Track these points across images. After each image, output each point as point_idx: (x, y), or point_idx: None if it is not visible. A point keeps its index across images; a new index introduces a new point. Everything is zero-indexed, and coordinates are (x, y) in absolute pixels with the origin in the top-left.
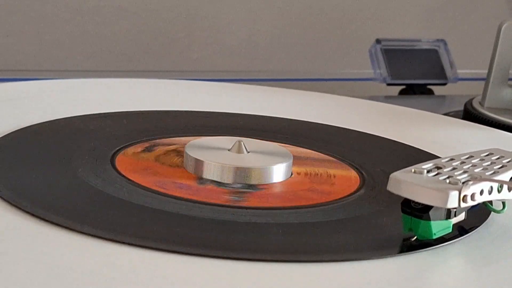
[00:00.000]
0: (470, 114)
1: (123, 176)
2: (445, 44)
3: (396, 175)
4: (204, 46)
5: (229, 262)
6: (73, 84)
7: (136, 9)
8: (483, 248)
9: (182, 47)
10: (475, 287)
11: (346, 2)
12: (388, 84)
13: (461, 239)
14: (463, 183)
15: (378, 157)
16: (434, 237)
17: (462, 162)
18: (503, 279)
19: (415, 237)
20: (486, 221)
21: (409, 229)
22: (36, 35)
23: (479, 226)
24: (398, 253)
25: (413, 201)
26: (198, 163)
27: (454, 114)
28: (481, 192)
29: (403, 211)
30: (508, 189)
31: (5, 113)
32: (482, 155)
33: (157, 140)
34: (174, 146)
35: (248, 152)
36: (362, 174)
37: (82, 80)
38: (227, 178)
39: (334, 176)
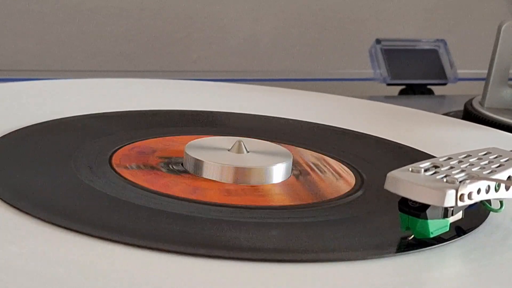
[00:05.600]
0: (470, 114)
1: (122, 176)
2: (445, 44)
3: (394, 173)
4: (204, 46)
5: (229, 262)
6: (73, 84)
7: (136, 9)
8: (481, 248)
9: (182, 47)
10: (473, 287)
11: (346, 2)
12: (388, 84)
13: (459, 239)
14: (460, 182)
15: (378, 157)
16: (431, 236)
17: (460, 161)
18: (501, 279)
19: (413, 236)
20: (484, 221)
21: (406, 227)
22: (36, 35)
23: (478, 226)
24: (395, 252)
25: (411, 200)
26: (198, 163)
27: (454, 114)
28: (478, 191)
29: (401, 209)
30: (505, 188)
31: (5, 113)
32: (480, 154)
33: (157, 140)
34: (173, 146)
35: (248, 152)
36: (361, 174)
37: (82, 80)
38: (227, 178)
39: (334, 176)
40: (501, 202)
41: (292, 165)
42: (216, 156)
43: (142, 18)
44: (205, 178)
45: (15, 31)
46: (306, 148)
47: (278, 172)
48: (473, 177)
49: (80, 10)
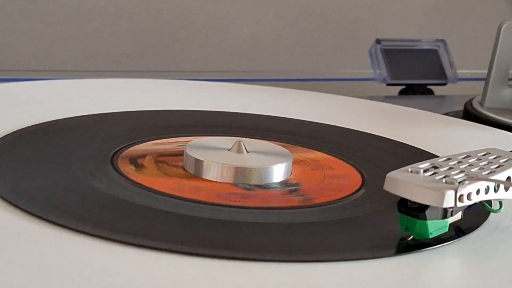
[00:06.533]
0: (470, 114)
1: (123, 176)
2: (445, 44)
3: (393, 174)
4: (204, 46)
5: (229, 262)
6: (73, 84)
7: (136, 9)
8: (481, 249)
9: (182, 47)
10: (472, 287)
11: (346, 2)
12: (388, 84)
13: (459, 239)
14: (459, 182)
15: (378, 157)
16: (431, 236)
17: (459, 162)
18: (500, 279)
19: (412, 237)
20: (484, 222)
21: (405, 228)
22: (36, 35)
23: (477, 226)
24: (395, 253)
25: (410, 201)
26: (198, 163)
27: (454, 114)
28: (478, 192)
29: (400, 210)
30: (504, 188)
31: (5, 113)
32: (479, 154)
33: (157, 140)
34: (174, 146)
35: (248, 152)
36: (361, 174)
37: (82, 80)
38: (227, 178)
39: (334, 176)
40: (500, 203)
41: (292, 165)
42: (216, 156)
43: (142, 18)
44: (205, 178)
45: (15, 31)
46: (306, 148)
47: (278, 172)
48: (472, 178)
49: (80, 10)
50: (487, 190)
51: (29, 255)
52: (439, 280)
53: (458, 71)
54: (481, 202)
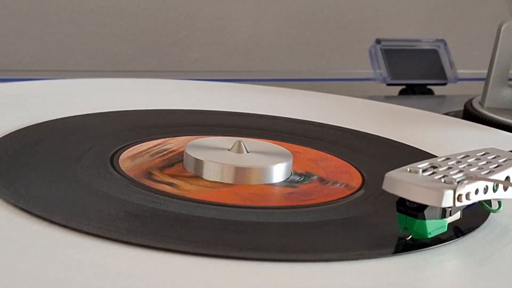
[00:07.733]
0: (470, 114)
1: (123, 175)
2: (445, 44)
3: (391, 174)
4: (204, 46)
5: (229, 262)
6: (73, 84)
7: (136, 9)
8: (480, 248)
9: (182, 47)
10: (471, 287)
11: (346, 2)
12: (388, 84)
13: (458, 239)
14: (458, 182)
15: (378, 157)
16: (429, 236)
17: (458, 162)
18: (499, 279)
19: (410, 236)
20: (483, 222)
21: (404, 228)
22: (36, 35)
23: (477, 226)
24: (393, 253)
25: (408, 200)
26: (198, 163)
27: (454, 114)
28: (476, 192)
29: (398, 210)
30: (503, 188)
31: (6, 113)
32: (478, 154)
33: (157, 140)
34: (174, 146)
35: (248, 152)
36: (361, 174)
37: (82, 80)
38: (227, 178)
39: (334, 176)
40: (499, 203)
41: (292, 165)
42: (216, 156)
43: (142, 18)
44: (205, 178)
45: (15, 31)
46: (306, 148)
47: (278, 172)
48: (471, 178)
49: (80, 10)
50: (486, 190)
51: (28, 255)
52: (437, 280)
53: (458, 71)
54: (480, 202)
